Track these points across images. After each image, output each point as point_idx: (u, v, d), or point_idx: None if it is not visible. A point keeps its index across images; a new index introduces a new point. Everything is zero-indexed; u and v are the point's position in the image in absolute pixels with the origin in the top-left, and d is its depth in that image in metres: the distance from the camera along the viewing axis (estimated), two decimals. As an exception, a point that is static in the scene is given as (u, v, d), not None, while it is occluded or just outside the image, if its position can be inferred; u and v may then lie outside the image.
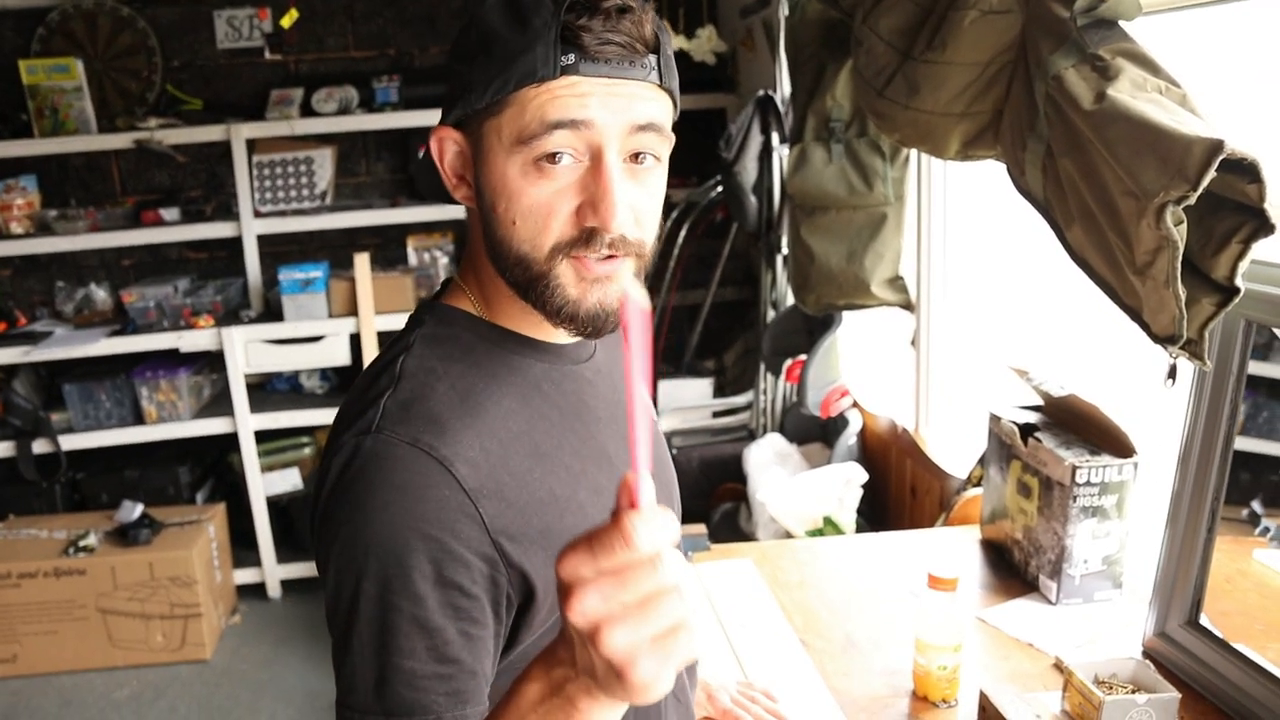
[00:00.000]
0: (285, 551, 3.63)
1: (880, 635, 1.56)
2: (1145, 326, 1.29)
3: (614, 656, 0.56)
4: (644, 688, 0.56)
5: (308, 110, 3.55)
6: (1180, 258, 1.18)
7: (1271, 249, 1.19)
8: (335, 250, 3.81)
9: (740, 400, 3.25)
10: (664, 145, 0.85)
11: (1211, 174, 1.12)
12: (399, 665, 0.78)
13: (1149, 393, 1.64)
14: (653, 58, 0.82)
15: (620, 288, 0.84)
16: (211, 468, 3.80)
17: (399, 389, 0.84)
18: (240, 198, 3.50)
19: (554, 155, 0.80)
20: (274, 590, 3.64)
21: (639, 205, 0.84)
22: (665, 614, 0.56)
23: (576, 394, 0.94)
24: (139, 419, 3.45)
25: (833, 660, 1.49)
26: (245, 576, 3.60)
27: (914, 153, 2.27)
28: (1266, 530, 1.45)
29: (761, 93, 2.83)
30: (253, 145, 3.54)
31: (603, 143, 0.81)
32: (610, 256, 0.83)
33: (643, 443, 0.58)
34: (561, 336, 0.93)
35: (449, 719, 0.78)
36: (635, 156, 0.83)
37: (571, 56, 0.79)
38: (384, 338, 3.40)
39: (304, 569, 3.63)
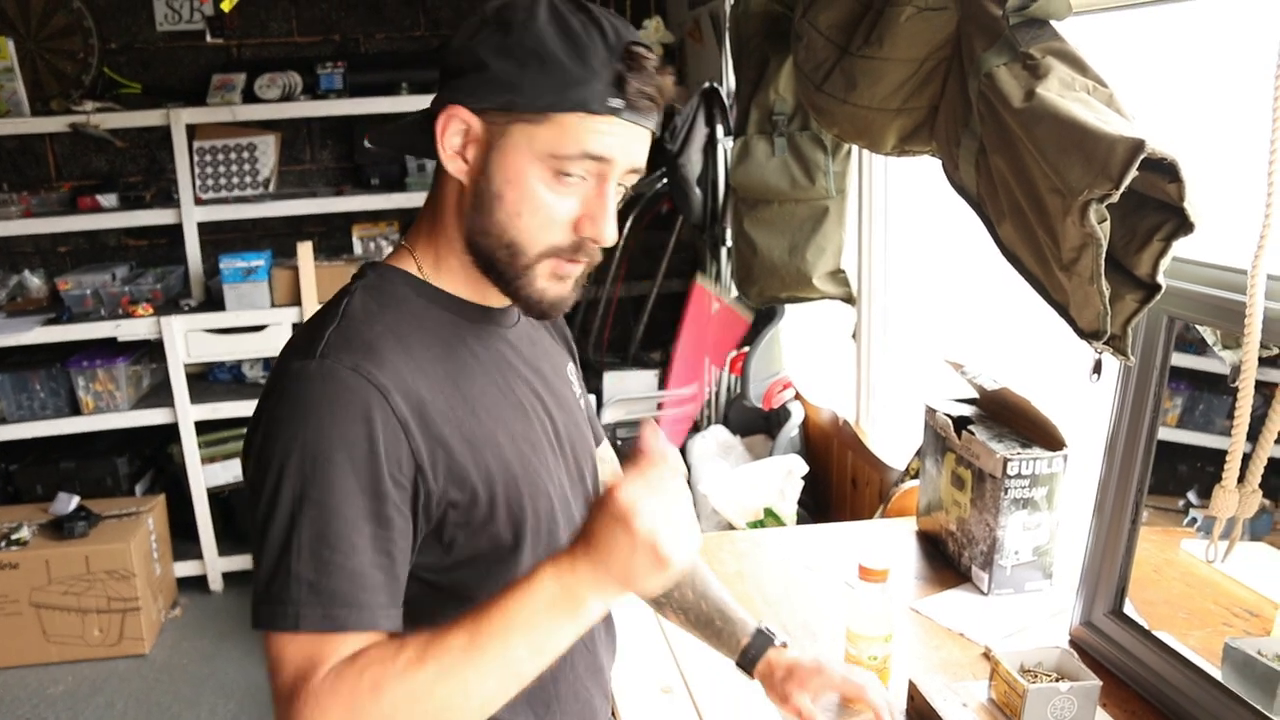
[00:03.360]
0: (227, 544, 3.58)
1: (815, 626, 1.58)
2: (1072, 322, 1.32)
3: (644, 528, 0.80)
4: (668, 554, 0.80)
5: (250, 96, 3.48)
6: (1104, 255, 1.20)
7: (1192, 247, 1.22)
8: (279, 239, 3.76)
9: (685, 392, 3.26)
10: None
11: (1133, 173, 1.14)
12: (338, 564, 0.85)
13: (1077, 387, 1.68)
14: (660, 113, 0.98)
15: (574, 286, 1.01)
16: (151, 459, 3.73)
17: (341, 324, 0.94)
18: (181, 184, 3.43)
19: (572, 173, 0.94)
20: (215, 583, 3.59)
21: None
22: (682, 507, 0.83)
23: (499, 351, 1.05)
24: (75, 409, 3.38)
25: (767, 651, 1.50)
26: (186, 569, 3.55)
27: (855, 147, 2.29)
28: (1194, 521, 1.49)
29: (707, 85, 2.84)
30: (193, 131, 3.48)
31: (611, 174, 0.95)
32: (579, 261, 0.98)
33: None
34: (492, 302, 1.04)
35: (380, 613, 0.87)
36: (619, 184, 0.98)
37: (619, 102, 0.92)
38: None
39: (246, 561, 3.58)
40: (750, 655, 1.26)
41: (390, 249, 3.46)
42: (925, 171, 2.05)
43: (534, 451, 1.03)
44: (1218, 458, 1.32)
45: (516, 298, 0.99)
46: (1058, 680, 1.29)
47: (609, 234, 0.96)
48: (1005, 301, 2.12)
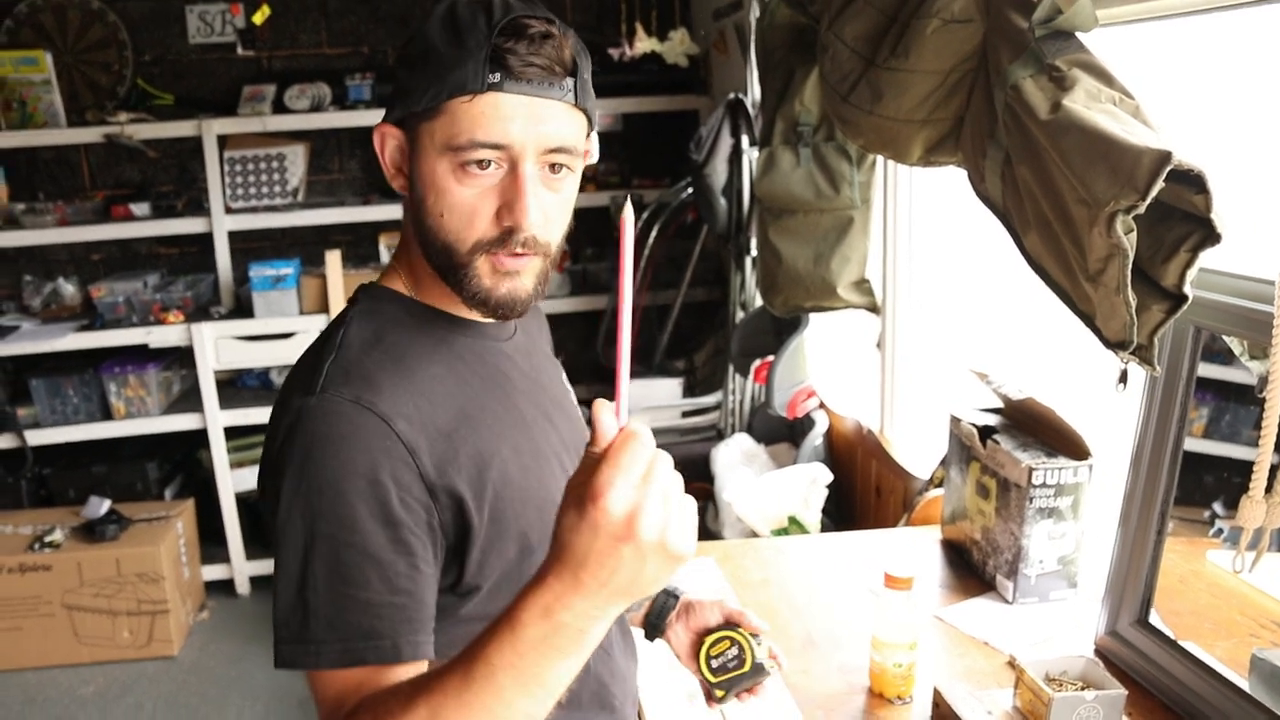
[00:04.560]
0: (254, 548, 3.62)
1: (839, 633, 1.59)
2: (1098, 332, 1.32)
3: (649, 534, 0.68)
4: (681, 552, 0.70)
5: (280, 107, 3.54)
6: (1130, 265, 1.21)
7: (1218, 257, 1.22)
8: (307, 247, 3.80)
9: (709, 400, 3.27)
10: (576, 160, 0.96)
11: (1160, 184, 1.15)
12: (355, 596, 0.84)
13: (1103, 397, 1.68)
14: (570, 80, 0.93)
15: (528, 281, 0.97)
16: (180, 464, 3.78)
17: (339, 356, 0.93)
18: (211, 193, 3.48)
19: (480, 162, 0.91)
20: (243, 587, 3.62)
21: (550, 209, 0.95)
22: (677, 490, 0.71)
23: (496, 366, 1.04)
24: (107, 414, 3.43)
25: (792, 657, 1.51)
26: (214, 573, 3.59)
27: (880, 158, 2.30)
28: (1220, 531, 1.49)
29: (732, 96, 2.85)
30: (224, 141, 3.53)
31: (520, 156, 0.91)
32: (521, 254, 0.94)
33: (624, 360, 0.75)
34: (476, 315, 1.03)
35: (403, 643, 0.86)
36: (552, 166, 0.94)
37: (498, 75, 0.88)
38: (355, 335, 3.40)
39: (272, 566, 3.61)
40: (652, 618, 1.25)
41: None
42: (950, 182, 2.06)
43: (538, 463, 1.03)
44: (1244, 468, 1.32)
45: (468, 299, 0.96)
46: (1083, 689, 1.29)
47: (527, 220, 0.91)
48: (1029, 312, 2.12)
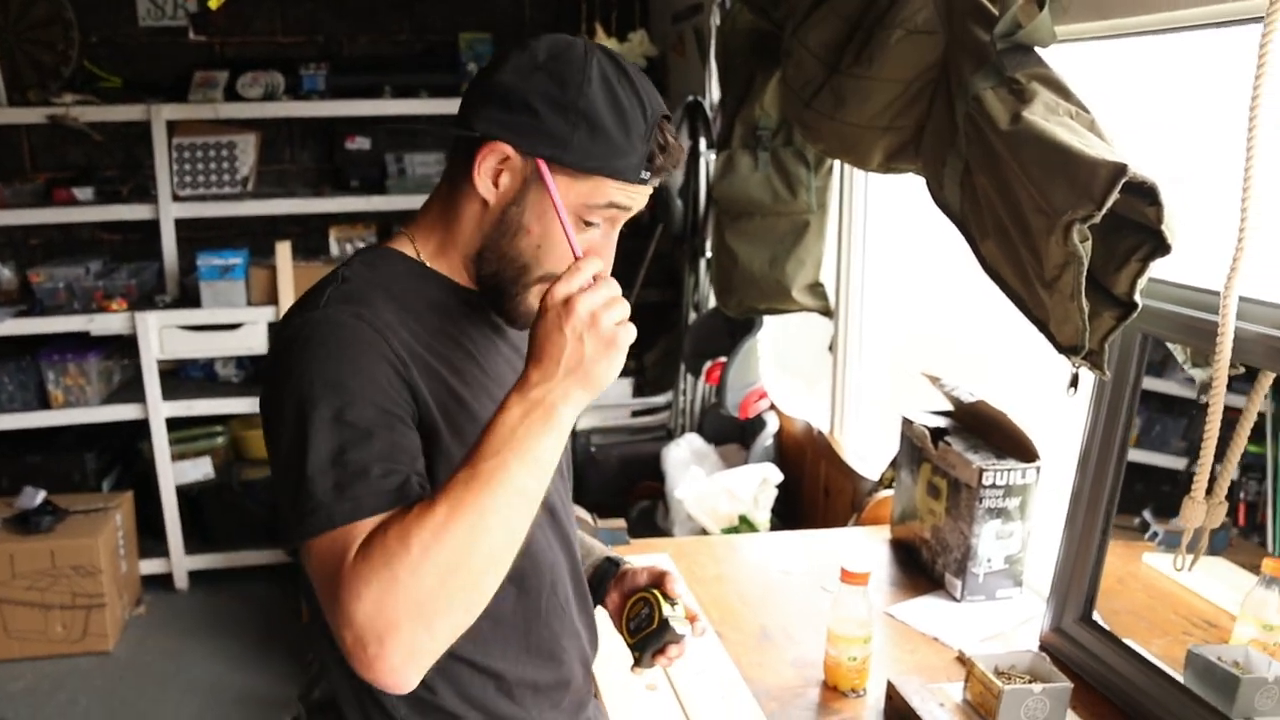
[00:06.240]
0: (194, 542, 3.55)
1: (794, 628, 1.62)
2: (1051, 337, 1.37)
3: (582, 313, 0.89)
4: (612, 334, 0.90)
5: (232, 94, 3.48)
6: (1085, 273, 1.25)
7: (1165, 268, 1.27)
8: (255, 238, 3.74)
9: (660, 400, 3.29)
10: None
11: (1115, 195, 1.19)
12: (359, 460, 0.89)
13: (1045, 400, 1.73)
14: None
15: None
16: (119, 455, 3.69)
17: (341, 287, 1.01)
18: (159, 180, 3.41)
19: (593, 221, 1.04)
20: (181, 581, 3.55)
21: None
22: (614, 291, 0.93)
23: (482, 330, 1.12)
24: (44, 403, 3.34)
25: (747, 652, 1.54)
26: (151, 567, 3.51)
27: (838, 163, 2.34)
28: (1156, 535, 1.54)
29: (690, 98, 2.88)
30: (173, 127, 3.46)
31: (621, 219, 1.07)
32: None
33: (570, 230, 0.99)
34: (505, 324, 1.12)
35: (415, 479, 0.92)
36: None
37: (647, 175, 1.03)
38: (304, 327, 3.36)
39: (213, 560, 3.56)
40: (594, 583, 1.28)
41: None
42: (904, 189, 2.10)
43: None
44: (1173, 477, 1.38)
45: (504, 309, 1.08)
46: (1031, 683, 1.33)
47: (607, 270, 1.03)
48: (977, 318, 2.18)
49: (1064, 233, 1.24)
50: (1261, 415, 1.29)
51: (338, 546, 0.86)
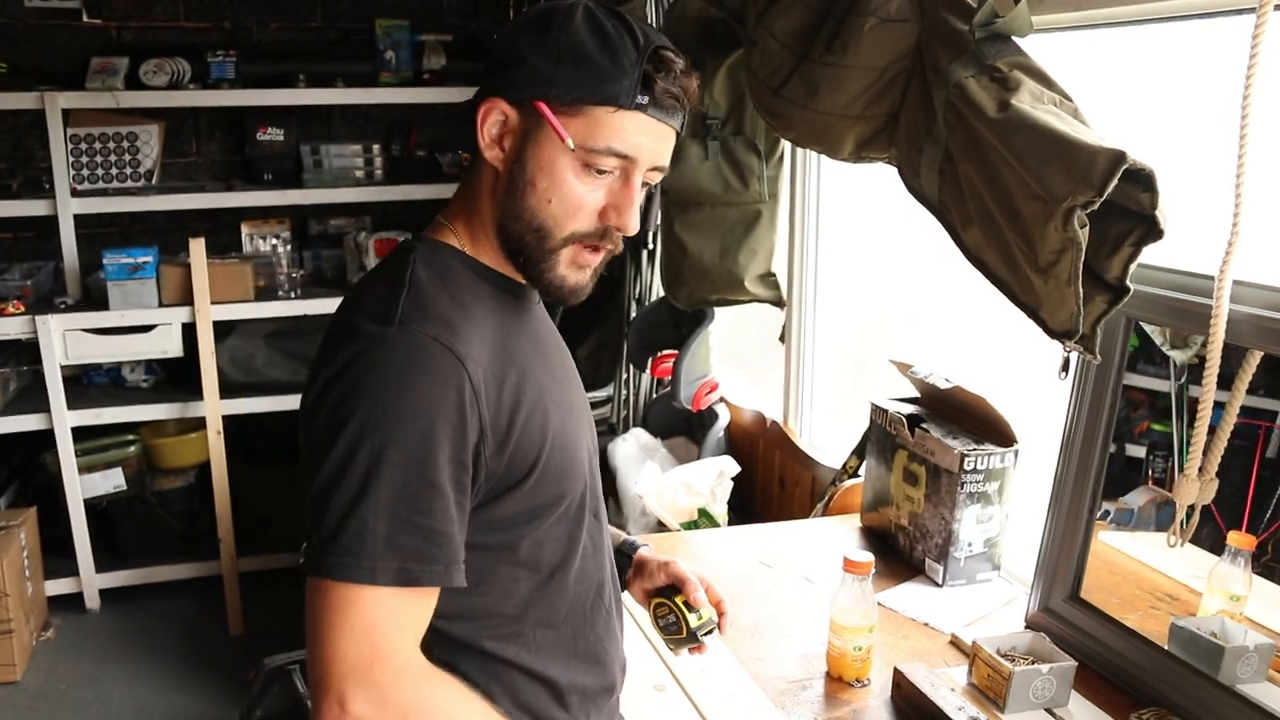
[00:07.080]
0: (105, 559, 3.35)
1: (786, 621, 1.61)
2: (1042, 322, 1.39)
3: None
4: None
5: (134, 82, 3.28)
6: (1082, 258, 1.27)
7: (1150, 253, 1.30)
8: (161, 234, 3.54)
9: (600, 395, 3.25)
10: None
11: (1115, 182, 1.21)
12: (417, 523, 0.90)
13: (1005, 386, 1.77)
14: (684, 114, 1.04)
15: (591, 276, 1.07)
16: (19, 469, 3.46)
17: (412, 293, 0.98)
18: (56, 173, 3.19)
19: (602, 168, 1.00)
20: (92, 601, 3.34)
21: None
22: None
23: (534, 325, 1.12)
24: (-67, 415, 3.10)
25: (746, 647, 1.52)
26: (59, 587, 3.29)
27: (789, 152, 2.34)
28: (1108, 514, 1.59)
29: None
30: (68, 116, 3.24)
31: (636, 169, 1.01)
32: (599, 249, 1.04)
33: None
34: (541, 296, 1.12)
35: (454, 569, 0.94)
36: (647, 180, 1.05)
37: (645, 99, 0.98)
38: (220, 327, 3.20)
39: (126, 577, 3.36)
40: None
41: (282, 249, 3.33)
42: (858, 178, 2.12)
43: (570, 416, 1.10)
44: (1131, 461, 1.45)
45: (539, 281, 1.05)
46: (1033, 663, 1.35)
47: (633, 224, 1.03)
48: (933, 305, 2.21)
49: (1064, 219, 1.26)
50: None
51: (373, 613, 0.89)
